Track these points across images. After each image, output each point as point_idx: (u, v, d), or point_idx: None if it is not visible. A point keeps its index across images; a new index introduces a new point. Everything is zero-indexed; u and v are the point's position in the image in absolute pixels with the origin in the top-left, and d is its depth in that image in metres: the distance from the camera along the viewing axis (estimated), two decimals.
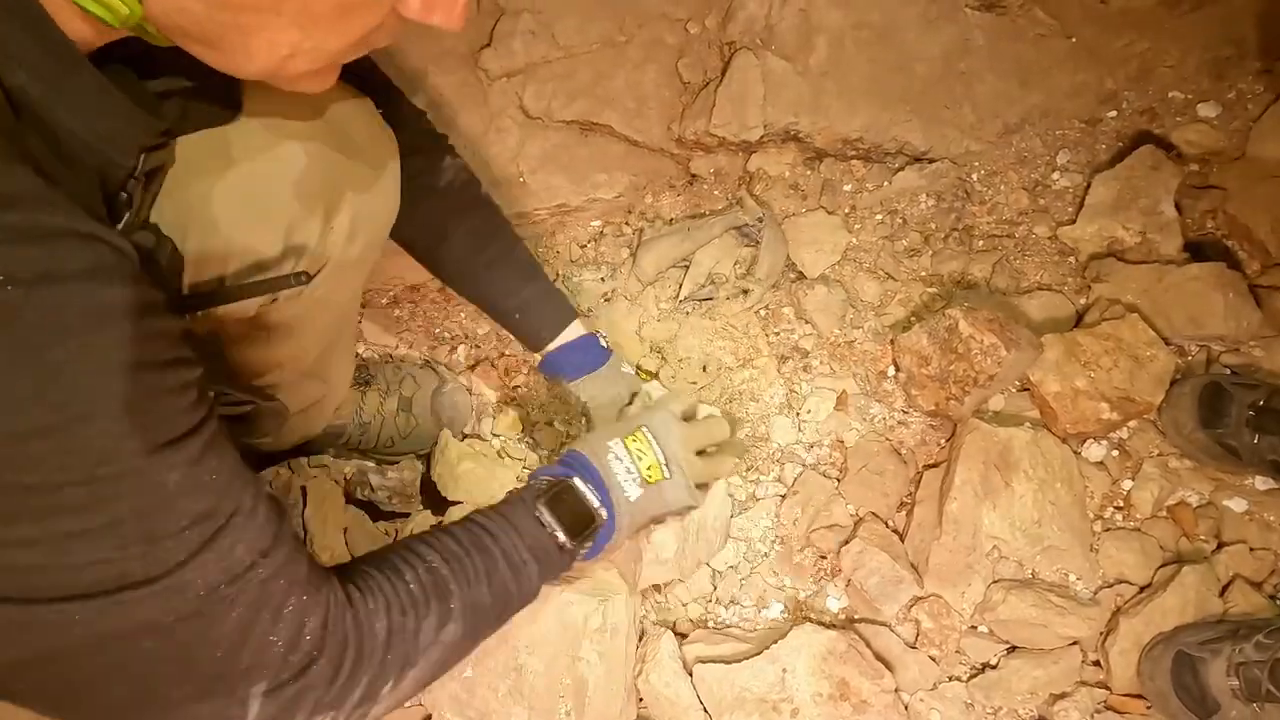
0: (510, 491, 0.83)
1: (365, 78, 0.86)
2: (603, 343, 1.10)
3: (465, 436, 1.26)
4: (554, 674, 0.97)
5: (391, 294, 1.39)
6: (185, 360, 0.50)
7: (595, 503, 0.83)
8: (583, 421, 1.14)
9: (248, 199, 0.72)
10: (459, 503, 1.15)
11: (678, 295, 1.32)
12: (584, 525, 0.81)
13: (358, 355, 1.33)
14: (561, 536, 0.79)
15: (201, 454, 0.49)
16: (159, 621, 0.48)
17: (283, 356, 0.87)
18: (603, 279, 1.36)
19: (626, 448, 0.89)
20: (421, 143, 0.96)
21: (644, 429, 0.91)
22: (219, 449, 0.51)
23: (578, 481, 0.83)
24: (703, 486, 0.95)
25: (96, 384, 0.43)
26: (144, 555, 0.46)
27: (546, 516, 0.79)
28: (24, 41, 0.45)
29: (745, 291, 1.30)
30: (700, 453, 0.96)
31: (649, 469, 0.88)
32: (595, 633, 0.98)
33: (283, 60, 0.52)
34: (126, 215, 0.57)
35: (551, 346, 1.07)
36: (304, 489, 1.21)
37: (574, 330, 1.08)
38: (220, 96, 0.68)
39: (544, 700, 0.97)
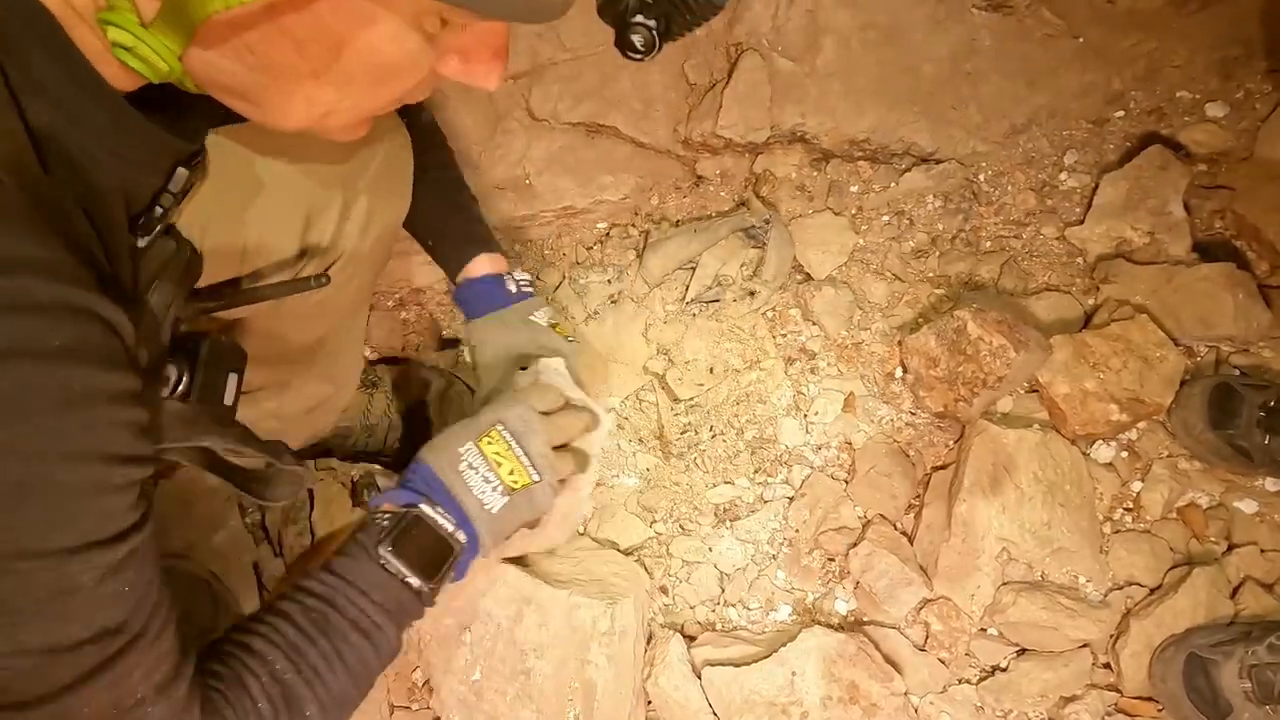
0: (352, 533, 0.73)
1: None
2: (513, 286, 0.96)
3: None
4: (562, 677, 0.97)
5: (398, 296, 1.38)
6: (138, 458, 0.47)
7: (449, 528, 0.73)
8: (470, 373, 1.00)
9: (266, 197, 0.72)
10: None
11: (684, 297, 1.32)
12: (440, 559, 0.72)
13: (364, 358, 1.33)
14: (415, 581, 0.70)
15: (124, 561, 0.46)
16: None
17: (294, 348, 0.87)
18: (609, 281, 1.36)
19: (482, 452, 0.77)
20: None
21: (499, 428, 0.78)
22: (142, 559, 0.48)
23: (425, 508, 0.73)
24: (564, 482, 0.84)
25: (39, 471, 0.41)
26: (34, 669, 0.43)
27: (394, 563, 0.69)
28: (56, 76, 0.44)
29: (752, 293, 1.30)
30: (561, 446, 0.84)
31: (511, 474, 0.77)
32: (604, 636, 0.98)
33: (320, 117, 0.52)
34: (157, 229, 0.56)
35: (459, 279, 0.98)
36: (311, 491, 1.22)
37: (482, 265, 0.96)
38: None
39: (552, 704, 0.97)
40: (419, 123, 0.93)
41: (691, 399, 1.28)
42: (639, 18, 0.49)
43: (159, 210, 0.56)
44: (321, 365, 1.01)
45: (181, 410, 0.60)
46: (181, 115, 0.54)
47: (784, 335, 1.31)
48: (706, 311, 1.31)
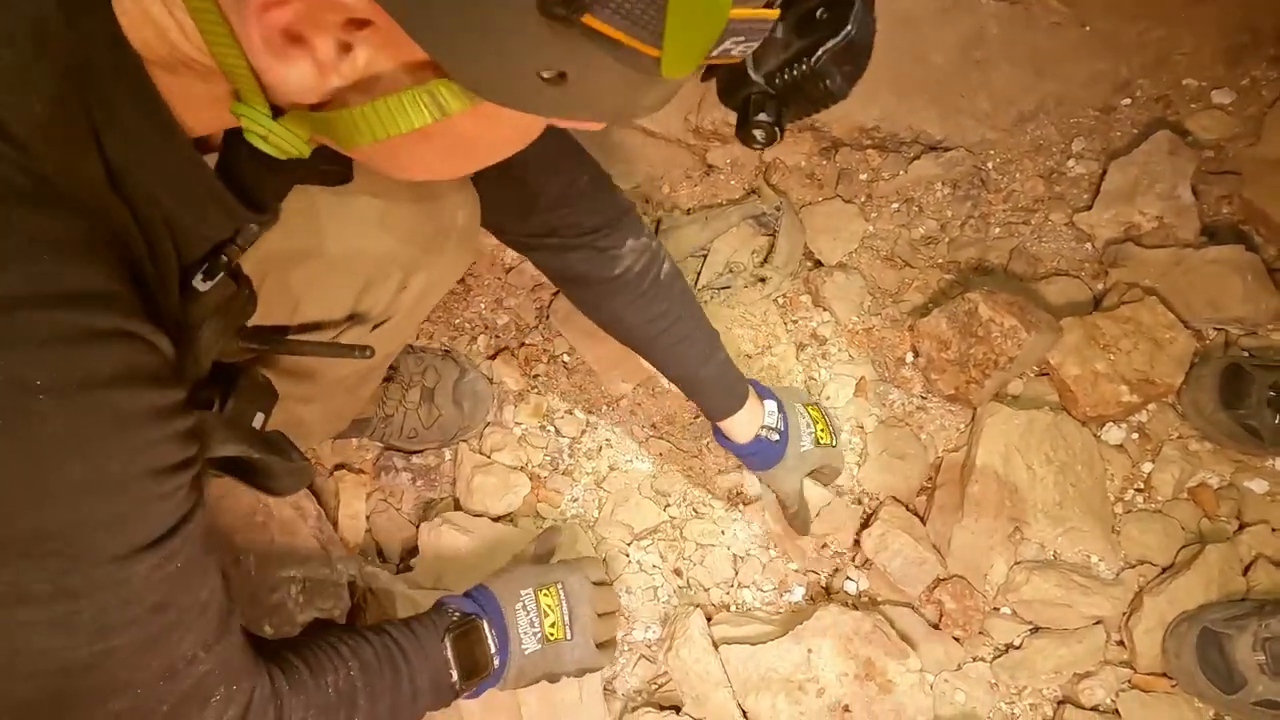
0: (425, 613, 0.83)
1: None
2: (773, 433, 1.05)
3: (488, 424, 1.27)
4: (496, 697, 0.94)
5: None
6: (187, 462, 0.49)
7: (492, 650, 0.85)
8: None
9: (329, 258, 0.72)
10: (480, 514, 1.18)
11: (696, 284, 1.33)
12: (477, 671, 0.83)
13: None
14: (455, 676, 0.80)
15: (176, 550, 0.49)
16: (90, 712, 0.48)
17: (326, 381, 0.88)
18: None
19: (537, 601, 0.90)
20: (602, 220, 0.90)
21: (559, 586, 0.92)
22: (191, 540, 0.50)
23: (485, 626, 0.85)
24: (604, 645, 0.97)
25: (99, 499, 0.44)
26: (90, 645, 0.46)
27: (449, 653, 0.80)
28: (135, 117, 0.45)
29: (763, 280, 1.31)
30: (601, 614, 0.97)
31: (552, 626, 0.90)
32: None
33: (433, 175, 0.52)
34: (220, 274, 0.57)
35: (724, 434, 1.06)
36: (333, 473, 1.23)
37: (744, 427, 1.04)
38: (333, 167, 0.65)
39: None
40: (636, 268, 0.93)
41: None
42: (762, 115, 0.49)
43: (224, 259, 0.57)
44: (351, 388, 1.02)
45: (217, 421, 0.62)
46: (261, 170, 0.54)
47: (795, 321, 1.32)
48: (718, 298, 1.33)
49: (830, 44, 0.47)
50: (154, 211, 0.49)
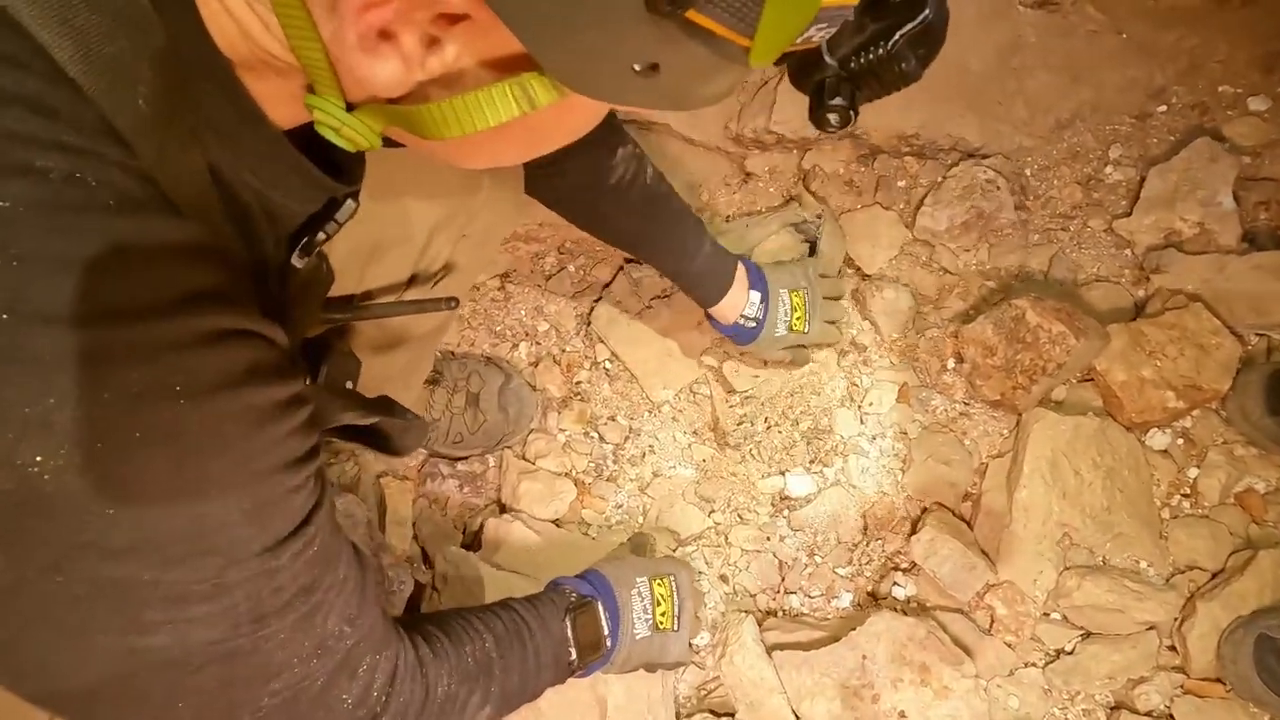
0: (544, 592, 0.87)
1: None
2: (749, 324, 1.14)
3: (532, 431, 1.28)
4: (573, 692, 0.97)
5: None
6: (312, 451, 0.50)
7: (605, 632, 0.88)
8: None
9: (390, 218, 0.73)
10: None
11: None
12: (592, 650, 0.86)
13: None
14: (573, 654, 0.83)
15: (313, 535, 0.50)
16: (252, 702, 0.50)
17: (400, 365, 0.89)
18: (660, 277, 1.38)
19: (651, 589, 0.94)
20: (598, 133, 0.95)
21: (672, 578, 0.96)
22: (324, 524, 0.52)
23: (600, 607, 0.88)
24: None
25: (244, 496, 0.45)
26: (251, 633, 0.48)
27: (569, 631, 0.83)
28: (228, 116, 0.45)
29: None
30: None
31: (663, 615, 0.93)
32: None
33: (499, 162, 0.54)
34: (315, 252, 0.58)
35: (712, 319, 1.16)
36: (379, 479, 1.23)
37: (725, 312, 1.13)
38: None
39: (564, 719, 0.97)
40: (626, 176, 0.98)
41: (747, 390, 1.29)
42: (837, 99, 0.50)
43: (322, 236, 0.58)
44: (404, 373, 1.03)
45: (323, 394, 0.63)
46: (343, 170, 0.55)
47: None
48: None
49: (907, 28, 0.47)
50: (250, 199, 0.49)
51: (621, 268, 1.38)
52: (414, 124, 0.45)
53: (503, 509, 1.23)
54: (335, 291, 0.72)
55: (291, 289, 0.59)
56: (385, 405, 0.67)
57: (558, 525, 1.21)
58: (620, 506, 1.25)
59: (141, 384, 0.39)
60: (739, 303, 1.13)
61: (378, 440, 0.69)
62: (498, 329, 1.39)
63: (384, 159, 0.66)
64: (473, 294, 1.40)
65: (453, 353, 1.36)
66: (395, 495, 1.22)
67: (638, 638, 0.91)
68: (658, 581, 0.95)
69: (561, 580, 0.90)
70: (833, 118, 0.51)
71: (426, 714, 0.63)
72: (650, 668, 0.96)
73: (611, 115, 0.95)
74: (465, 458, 1.26)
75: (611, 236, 1.08)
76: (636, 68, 0.40)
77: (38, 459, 0.36)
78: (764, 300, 1.14)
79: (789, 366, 1.27)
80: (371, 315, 0.74)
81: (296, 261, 0.58)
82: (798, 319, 1.17)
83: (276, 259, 0.56)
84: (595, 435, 1.29)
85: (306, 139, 0.51)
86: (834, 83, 0.50)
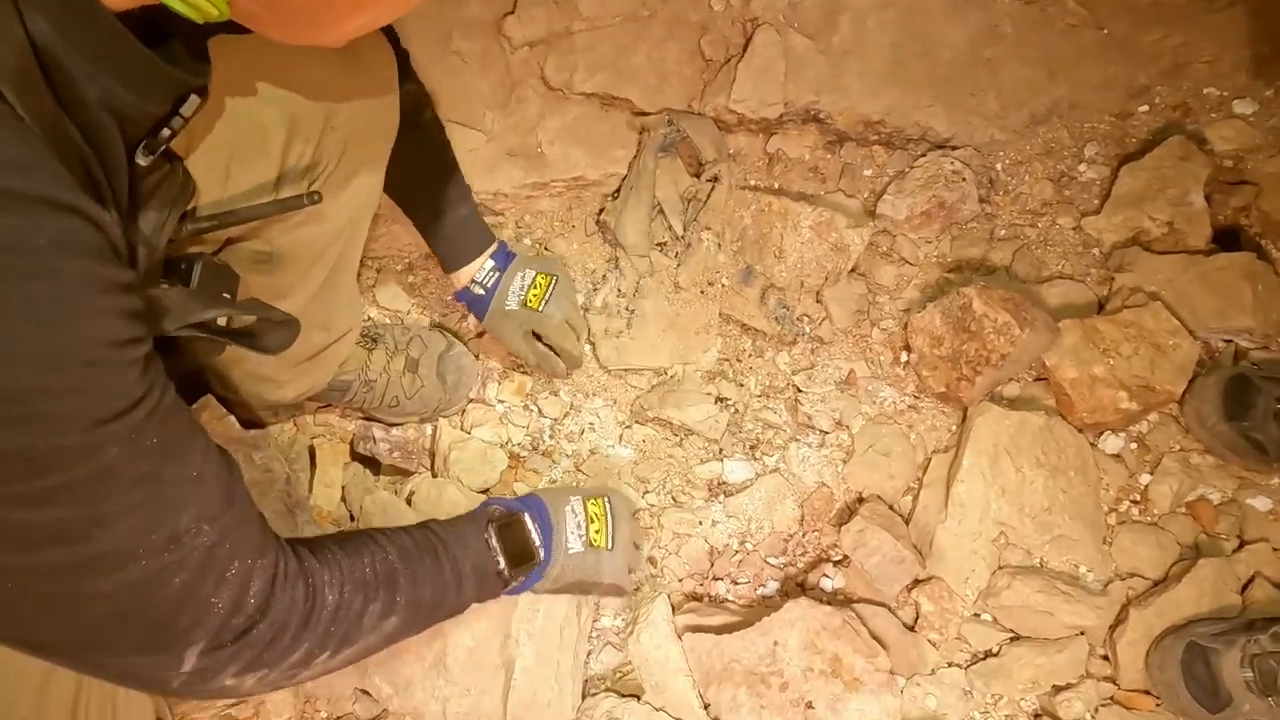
0: (467, 513, 0.87)
1: None
2: (477, 290, 1.13)
3: (471, 401, 1.26)
4: (482, 651, 0.95)
5: (407, 260, 1.39)
6: (138, 339, 0.50)
7: (536, 542, 0.89)
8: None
9: (248, 111, 0.72)
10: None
11: (680, 236, 1.29)
12: (524, 559, 0.86)
13: (368, 317, 1.33)
14: (502, 563, 0.83)
15: (143, 425, 0.49)
16: (100, 588, 0.49)
17: (286, 284, 0.88)
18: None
19: (585, 507, 0.95)
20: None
21: (606, 500, 0.98)
22: (164, 415, 0.51)
23: (527, 519, 0.89)
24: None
25: (53, 367, 0.44)
26: (79, 515, 0.47)
27: (494, 541, 0.83)
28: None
29: (716, 179, 1.28)
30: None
31: (596, 533, 0.94)
32: (526, 609, 0.95)
33: (357, 31, 0.55)
34: (160, 150, 0.58)
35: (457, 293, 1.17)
36: (312, 449, 1.22)
37: (460, 277, 1.13)
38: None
39: (469, 677, 0.95)
40: (422, 120, 1.00)
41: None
42: None
43: (166, 133, 0.57)
44: (316, 312, 1.02)
45: (182, 293, 0.63)
46: (169, 37, 0.55)
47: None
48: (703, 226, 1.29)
49: None
50: (92, 94, 0.49)
51: (576, 246, 1.37)
52: None
53: (434, 476, 1.21)
54: (204, 202, 0.71)
55: (141, 190, 0.59)
56: (255, 305, 0.67)
57: (488, 495, 1.19)
58: (554, 482, 1.22)
59: None
60: (474, 270, 1.13)
61: (245, 339, 0.69)
62: (448, 299, 1.37)
63: (232, 57, 0.66)
64: (426, 263, 1.39)
65: (400, 320, 1.35)
66: (326, 456, 1.21)
67: (570, 551, 0.91)
68: (591, 501, 0.96)
69: (491, 500, 0.91)
70: None
71: (314, 622, 0.62)
72: (585, 588, 0.95)
73: (403, 56, 0.95)
74: (400, 424, 1.24)
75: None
76: None
77: None
78: (500, 270, 1.13)
79: (536, 371, 1.22)
80: (236, 220, 0.72)
81: (141, 159, 0.57)
82: (534, 295, 1.14)
83: (121, 159, 0.55)
84: (535, 408, 1.27)
85: (145, 36, 0.51)
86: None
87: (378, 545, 0.72)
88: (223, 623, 0.55)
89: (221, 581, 0.55)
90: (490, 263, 1.14)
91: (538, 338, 1.18)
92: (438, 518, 0.84)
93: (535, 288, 1.15)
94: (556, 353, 1.18)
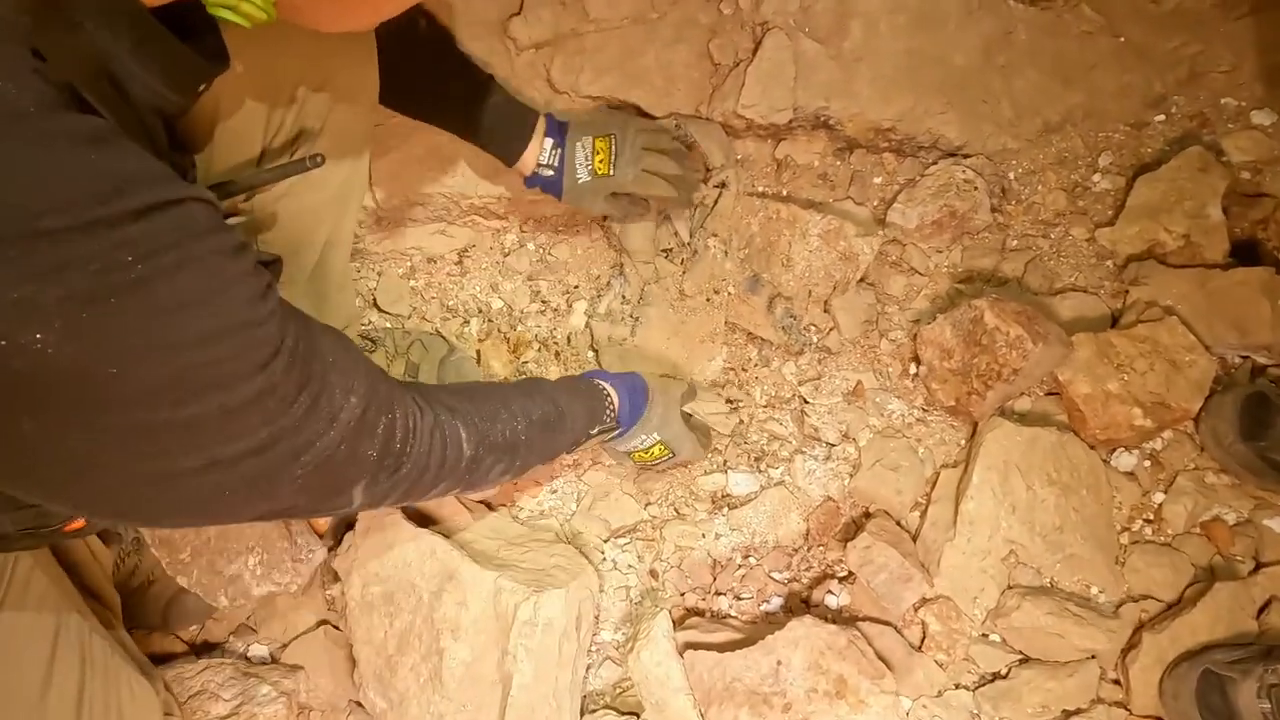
0: (596, 402, 0.95)
1: None
2: (546, 172, 1.13)
3: None
4: (479, 666, 0.93)
5: (409, 264, 1.37)
6: (269, 283, 0.55)
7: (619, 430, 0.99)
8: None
9: (231, 84, 0.72)
10: None
11: (686, 243, 1.27)
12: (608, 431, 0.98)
13: (368, 321, 1.32)
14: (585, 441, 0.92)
15: (293, 345, 0.54)
16: (293, 474, 0.57)
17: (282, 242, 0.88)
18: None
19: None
20: None
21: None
22: (297, 326, 0.56)
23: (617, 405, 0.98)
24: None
25: (218, 335, 0.49)
26: (269, 434, 0.54)
27: (594, 431, 0.93)
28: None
29: (723, 185, 1.26)
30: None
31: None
32: (524, 625, 0.93)
33: (391, 13, 0.58)
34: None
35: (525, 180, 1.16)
36: None
37: (525, 164, 1.13)
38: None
39: (465, 692, 0.92)
40: (419, 30, 1.02)
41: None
42: None
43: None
44: (308, 306, 1.00)
45: None
46: (190, 31, 0.57)
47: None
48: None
49: None
50: (135, 89, 0.52)
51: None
52: None
53: None
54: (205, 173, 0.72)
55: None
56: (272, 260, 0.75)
57: (489, 507, 1.17)
58: (555, 492, 1.20)
59: (98, 260, 0.42)
60: (536, 153, 1.12)
61: None
62: (450, 304, 1.36)
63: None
64: (428, 267, 1.37)
65: (401, 324, 1.33)
66: None
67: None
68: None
69: (593, 374, 0.99)
70: None
71: (449, 468, 0.71)
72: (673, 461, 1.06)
73: None
74: None
75: (395, 91, 1.01)
76: None
77: (37, 336, 0.41)
78: (560, 146, 1.13)
79: (621, 222, 1.25)
80: (241, 189, 0.74)
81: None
82: (600, 162, 1.14)
83: (164, 148, 0.60)
84: None
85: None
86: None
87: (510, 414, 0.80)
88: (378, 465, 0.64)
89: (373, 436, 0.63)
90: (549, 141, 1.13)
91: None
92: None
93: (599, 154, 1.14)
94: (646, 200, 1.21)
